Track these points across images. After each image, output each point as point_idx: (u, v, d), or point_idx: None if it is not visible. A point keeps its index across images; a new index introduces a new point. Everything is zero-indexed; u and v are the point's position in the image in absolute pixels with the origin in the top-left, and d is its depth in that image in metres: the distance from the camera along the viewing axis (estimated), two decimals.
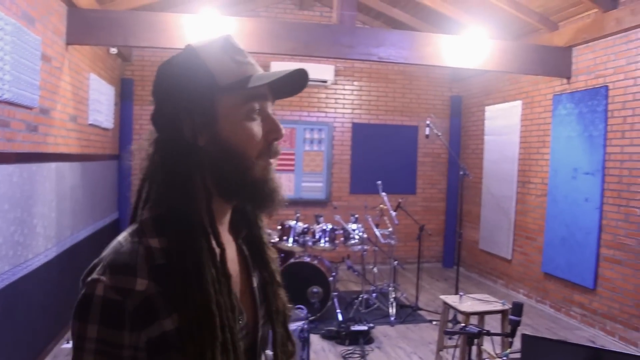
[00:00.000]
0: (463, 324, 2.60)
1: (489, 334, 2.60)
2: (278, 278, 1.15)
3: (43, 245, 4.39)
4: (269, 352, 1.12)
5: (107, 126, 6.59)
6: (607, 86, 5.47)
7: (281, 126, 1.00)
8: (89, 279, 0.89)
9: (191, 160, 0.95)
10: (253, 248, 1.13)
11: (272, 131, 0.99)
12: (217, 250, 0.97)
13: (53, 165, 4.61)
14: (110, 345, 0.86)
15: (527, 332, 5.43)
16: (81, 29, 4.91)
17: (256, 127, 0.97)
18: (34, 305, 4.17)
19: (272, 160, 1.01)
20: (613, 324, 5.33)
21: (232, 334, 0.94)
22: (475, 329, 2.52)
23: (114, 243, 0.94)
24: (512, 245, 7.17)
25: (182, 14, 5.19)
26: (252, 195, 0.99)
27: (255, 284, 1.09)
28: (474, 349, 4.29)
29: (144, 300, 0.88)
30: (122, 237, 0.95)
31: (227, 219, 1.06)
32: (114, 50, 6.62)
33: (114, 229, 7.22)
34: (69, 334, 4.80)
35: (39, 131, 4.29)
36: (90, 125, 5.88)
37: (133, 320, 0.86)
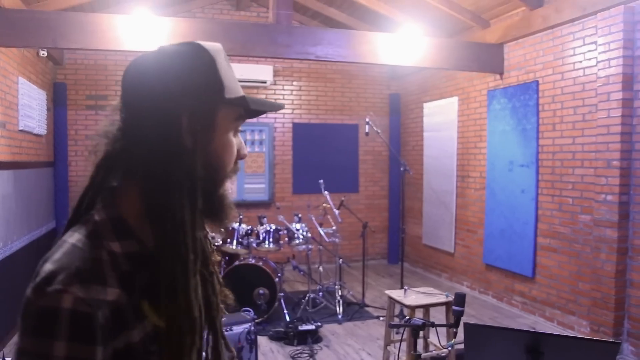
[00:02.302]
0: (408, 317, 2.62)
1: (433, 325, 2.63)
2: (219, 280, 1.13)
3: None
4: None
5: (39, 132, 6.31)
6: (537, 81, 5.67)
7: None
8: (51, 289, 0.78)
9: (182, 162, 0.90)
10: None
11: (241, 149, 1.02)
12: (192, 257, 0.92)
13: None
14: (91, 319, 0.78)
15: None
16: (6, 30, 4.67)
17: (234, 144, 0.99)
18: None
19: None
20: (552, 310, 5.53)
21: (201, 339, 0.93)
22: (420, 321, 2.55)
23: (67, 247, 0.84)
24: (454, 239, 7.33)
25: (114, 15, 5.04)
26: (216, 207, 0.98)
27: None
28: (420, 341, 4.35)
29: (114, 311, 0.82)
30: (76, 240, 0.86)
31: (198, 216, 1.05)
32: (43, 53, 6.35)
33: (51, 238, 6.93)
34: (5, 350, 4.56)
35: None
36: (21, 131, 5.61)
37: (104, 333, 0.80)
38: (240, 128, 1.04)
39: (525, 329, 5.32)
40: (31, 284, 0.81)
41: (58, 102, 7.24)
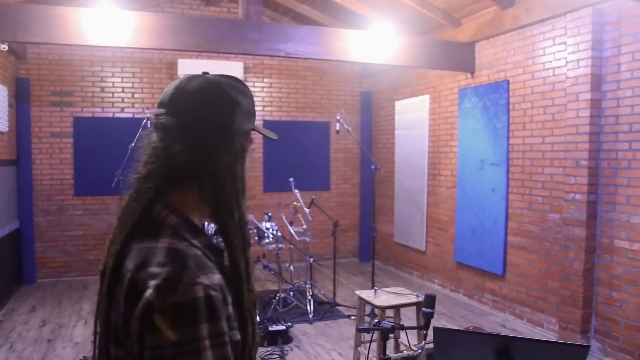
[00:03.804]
0: (377, 320, 2.58)
1: (402, 328, 2.59)
2: None
3: None
4: None
5: (0, 129, 6.11)
6: (508, 80, 5.69)
7: None
8: (181, 285, 0.90)
9: (239, 172, 1.11)
10: None
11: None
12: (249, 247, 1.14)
13: None
14: (219, 335, 0.92)
15: (443, 321, 5.57)
16: None
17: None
18: None
19: None
20: (521, 307, 5.56)
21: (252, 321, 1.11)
22: (389, 324, 2.50)
23: (165, 251, 0.97)
24: (425, 237, 7.34)
25: (79, 8, 4.86)
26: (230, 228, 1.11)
27: None
28: (392, 341, 4.33)
29: (222, 290, 0.96)
30: (167, 243, 0.98)
31: None
32: (4, 47, 6.12)
33: (14, 238, 6.72)
34: None
35: None
36: None
37: (222, 309, 0.94)
38: None
39: (496, 327, 5.36)
40: (149, 288, 0.91)
41: (21, 98, 7.00)
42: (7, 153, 6.59)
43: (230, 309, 1.00)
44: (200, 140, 1.05)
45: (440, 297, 6.61)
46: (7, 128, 6.44)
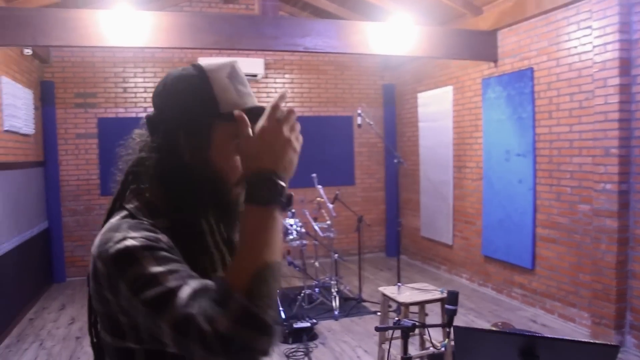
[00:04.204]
0: (397, 318, 2.51)
1: (423, 326, 2.52)
2: None
3: None
4: None
5: (27, 132, 6.20)
6: (532, 68, 5.53)
7: None
8: (112, 242, 0.96)
9: (182, 174, 1.05)
10: (230, 245, 1.19)
11: None
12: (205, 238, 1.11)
13: None
14: (163, 258, 0.94)
15: (471, 317, 5.46)
16: None
17: (237, 159, 1.05)
18: None
19: None
20: (552, 302, 5.41)
21: None
22: (409, 323, 2.43)
23: (112, 223, 1.02)
24: (452, 231, 7.22)
25: (96, 10, 4.89)
26: (226, 215, 1.12)
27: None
28: (417, 338, 4.25)
29: (158, 240, 0.97)
30: (116, 219, 1.03)
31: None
32: (28, 51, 6.21)
33: (44, 238, 6.83)
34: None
35: None
36: (6, 131, 5.50)
37: (169, 247, 0.98)
38: None
39: (525, 322, 5.23)
40: (92, 251, 0.99)
41: (46, 100, 7.11)
42: (35, 155, 6.68)
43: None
44: (162, 135, 1.07)
45: (468, 291, 6.50)
46: (34, 130, 6.52)
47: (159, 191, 1.09)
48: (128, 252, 0.94)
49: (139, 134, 1.14)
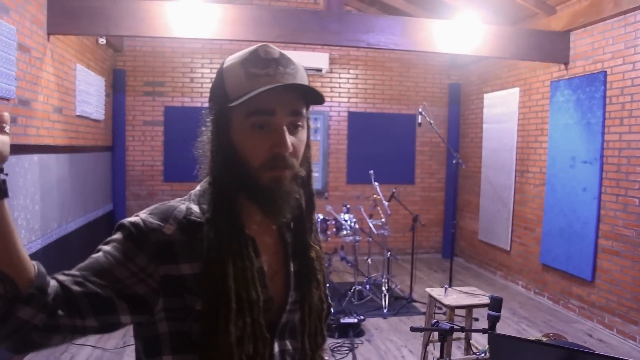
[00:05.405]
0: (436, 320, 2.47)
1: (462, 330, 2.47)
2: (318, 275, 1.20)
3: (26, 237, 4.31)
4: (288, 343, 1.17)
5: (97, 117, 6.49)
6: (605, 71, 5.29)
7: (287, 140, 1.04)
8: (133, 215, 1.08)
9: (215, 156, 1.08)
10: (296, 238, 1.20)
11: (276, 145, 1.04)
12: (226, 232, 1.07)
13: (35, 157, 4.51)
14: (123, 252, 1.02)
15: (523, 325, 5.32)
16: (62, 18, 4.80)
17: (259, 139, 1.04)
18: None
19: (286, 172, 1.06)
20: (611, 317, 5.18)
21: (250, 302, 1.04)
22: (447, 325, 2.39)
23: (164, 202, 1.13)
24: (510, 236, 7.02)
25: (164, 2, 5.05)
26: (260, 200, 1.08)
27: (292, 270, 1.17)
28: (463, 342, 4.17)
29: (167, 242, 1.03)
30: (175, 199, 1.15)
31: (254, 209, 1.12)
32: (102, 41, 6.50)
33: (108, 220, 7.15)
34: None
35: (18, 123, 4.20)
36: (78, 116, 5.78)
37: (152, 250, 1.02)
38: (284, 120, 1.06)
39: (581, 335, 5.03)
40: None
41: (117, 88, 7.42)
42: (104, 140, 7.00)
43: (184, 269, 1.04)
44: (206, 123, 1.12)
45: (524, 300, 6.32)
46: (104, 116, 6.83)
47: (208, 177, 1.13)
48: (119, 225, 1.07)
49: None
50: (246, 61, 1.06)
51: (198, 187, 1.15)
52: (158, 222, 1.05)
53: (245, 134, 1.05)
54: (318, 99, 1.07)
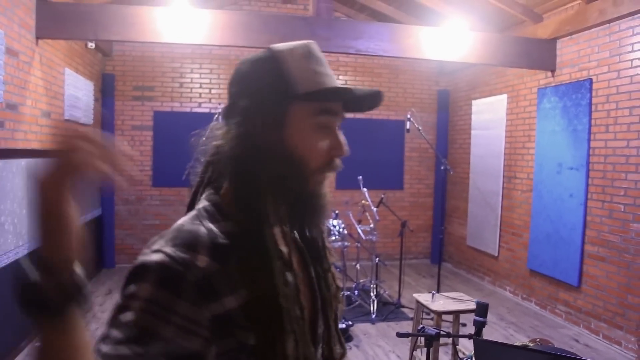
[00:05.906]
0: (422, 326, 2.49)
1: (449, 335, 2.49)
2: (334, 278, 1.14)
3: (13, 242, 4.29)
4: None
5: (85, 122, 6.47)
6: (591, 79, 5.35)
7: (345, 144, 1.01)
8: (148, 250, 0.89)
9: (257, 158, 0.97)
10: (309, 243, 1.13)
11: (336, 148, 1.01)
12: (285, 248, 0.99)
13: (23, 161, 4.49)
14: (161, 306, 0.83)
15: (511, 330, 5.34)
16: (51, 22, 4.79)
17: (322, 140, 0.99)
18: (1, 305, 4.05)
19: (327, 175, 1.03)
20: (597, 322, 5.22)
21: (299, 325, 0.95)
22: (433, 331, 2.41)
23: (174, 226, 0.95)
24: (498, 242, 7.06)
25: (153, 7, 5.06)
26: (302, 205, 1.02)
27: (313, 275, 1.10)
28: (450, 348, 4.20)
29: (204, 277, 0.87)
30: (182, 221, 0.96)
31: (282, 211, 1.03)
32: (91, 45, 6.49)
33: (96, 225, 7.11)
34: None
35: (6, 127, 4.19)
36: (67, 120, 5.76)
37: (193, 292, 0.85)
38: (338, 124, 1.03)
39: (567, 340, 5.06)
40: None
41: (106, 92, 7.40)
42: None
43: (230, 302, 0.89)
44: (237, 121, 0.99)
45: (511, 305, 6.35)
46: (92, 121, 6.80)
47: (231, 187, 0.99)
48: (144, 268, 0.87)
49: (215, 126, 1.06)
50: (309, 56, 0.99)
51: (205, 203, 0.99)
52: (189, 255, 0.87)
53: (309, 132, 0.98)
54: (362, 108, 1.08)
